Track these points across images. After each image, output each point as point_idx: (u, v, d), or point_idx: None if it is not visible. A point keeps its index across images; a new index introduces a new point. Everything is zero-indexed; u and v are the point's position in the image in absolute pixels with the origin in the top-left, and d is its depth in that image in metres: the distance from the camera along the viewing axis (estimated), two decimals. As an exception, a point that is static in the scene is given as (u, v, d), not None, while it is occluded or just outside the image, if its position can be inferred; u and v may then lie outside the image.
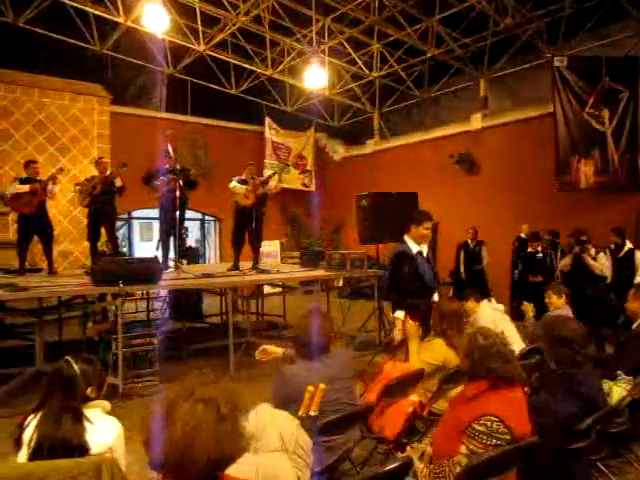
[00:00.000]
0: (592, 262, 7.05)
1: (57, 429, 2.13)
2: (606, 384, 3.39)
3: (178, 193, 7.01)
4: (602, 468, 3.27)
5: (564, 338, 2.92)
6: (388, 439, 3.22)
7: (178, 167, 7.28)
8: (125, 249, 13.37)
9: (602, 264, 7.13)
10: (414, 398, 3.46)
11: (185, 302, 8.46)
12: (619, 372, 3.63)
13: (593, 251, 7.15)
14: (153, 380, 5.62)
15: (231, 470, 1.48)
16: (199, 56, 12.38)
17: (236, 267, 7.56)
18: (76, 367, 2.30)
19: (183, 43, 11.83)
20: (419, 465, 2.48)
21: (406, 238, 4.84)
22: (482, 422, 2.31)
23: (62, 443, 2.11)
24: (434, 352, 3.71)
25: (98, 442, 2.18)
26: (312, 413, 2.49)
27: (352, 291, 12.10)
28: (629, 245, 7.29)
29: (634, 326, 4.30)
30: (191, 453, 1.32)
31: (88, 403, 2.33)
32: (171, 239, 7.46)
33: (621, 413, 3.18)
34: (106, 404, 2.44)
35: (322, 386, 2.55)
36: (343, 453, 2.91)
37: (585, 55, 10.12)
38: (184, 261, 8.63)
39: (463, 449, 2.34)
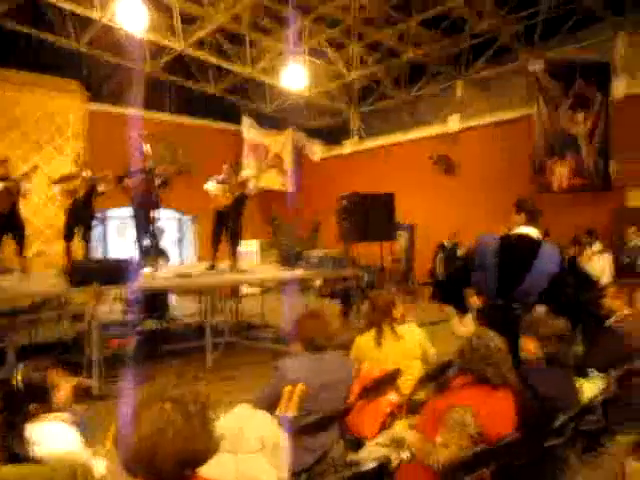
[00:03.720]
0: (586, 264, 7.15)
1: (5, 442, 2.10)
2: (578, 381, 3.45)
3: (151, 193, 6.96)
4: (576, 464, 3.33)
5: (544, 334, 3.02)
6: (366, 439, 3.23)
7: (152, 166, 7.22)
8: (100, 250, 13.19)
9: (595, 267, 7.21)
10: (392, 397, 3.48)
11: (159, 302, 8.38)
12: (591, 369, 3.69)
13: (590, 252, 7.24)
14: (128, 381, 5.56)
15: (209, 471, 1.48)
16: (178, 54, 12.27)
17: (214, 267, 7.52)
18: (20, 382, 2.24)
19: (161, 41, 11.71)
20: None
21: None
22: (456, 410, 2.39)
23: (10, 457, 2.07)
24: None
25: (51, 454, 2.13)
26: (289, 414, 2.49)
27: (331, 291, 12.10)
28: (599, 246, 7.44)
29: (608, 323, 4.39)
30: (159, 453, 1.33)
31: (41, 415, 2.28)
32: (146, 239, 7.40)
33: (594, 409, 3.25)
34: (60, 415, 2.38)
35: (302, 387, 2.56)
36: (322, 453, 2.92)
37: (560, 58, 10.29)
38: (161, 261, 8.54)
39: (438, 439, 2.39)
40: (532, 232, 3.76)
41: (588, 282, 6.99)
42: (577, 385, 3.37)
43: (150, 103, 13.59)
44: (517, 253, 3.70)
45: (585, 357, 4.17)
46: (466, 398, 2.48)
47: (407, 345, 3.79)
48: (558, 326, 3.07)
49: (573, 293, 4.55)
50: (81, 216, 7.25)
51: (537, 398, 2.82)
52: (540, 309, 4.40)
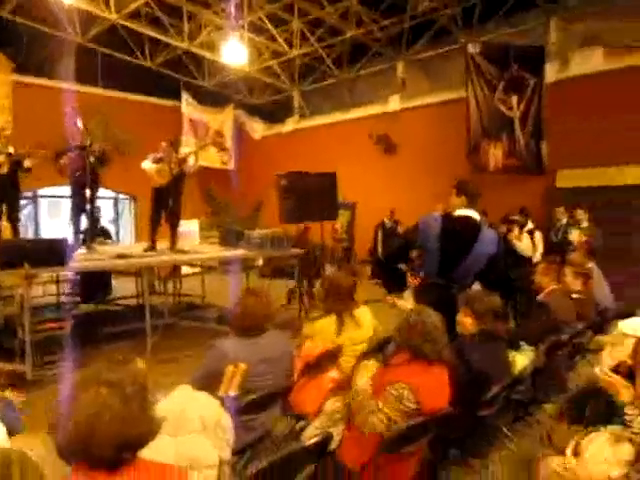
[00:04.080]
0: (517, 242, 7.43)
1: None
2: (511, 354, 3.61)
3: (88, 170, 6.68)
4: (506, 432, 3.52)
5: (479, 310, 3.16)
6: (309, 415, 3.27)
7: (88, 143, 6.92)
8: (31, 230, 12.61)
9: (525, 245, 7.49)
10: (333, 374, 3.53)
11: (99, 284, 8.14)
12: (522, 342, 3.88)
13: (517, 231, 7.51)
14: (64, 366, 5.38)
15: (149, 454, 1.47)
16: (111, 25, 11.73)
17: (153, 247, 7.34)
18: None
19: (93, 10, 11.14)
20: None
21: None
22: (395, 387, 2.48)
23: None
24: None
25: None
26: (232, 393, 2.49)
27: (272, 270, 12.09)
28: (531, 225, 7.75)
29: (538, 298, 4.60)
30: (96, 437, 1.32)
31: None
32: (82, 218, 7.13)
33: (523, 380, 3.42)
34: None
35: (243, 366, 2.56)
36: (263, 431, 2.94)
37: (496, 42, 10.56)
38: (101, 242, 8.25)
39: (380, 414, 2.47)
40: (473, 214, 3.87)
41: (518, 260, 7.31)
42: (509, 358, 3.54)
43: (82, 76, 12.96)
44: (459, 236, 3.79)
45: (517, 331, 4.36)
46: (405, 374, 2.56)
47: (365, 331, 3.82)
48: (493, 302, 3.21)
49: (504, 270, 4.76)
50: (6, 194, 6.88)
51: (471, 371, 2.95)
52: (476, 286, 4.58)
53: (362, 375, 2.73)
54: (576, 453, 2.29)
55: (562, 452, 2.39)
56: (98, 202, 7.77)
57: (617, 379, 2.37)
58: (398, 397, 2.45)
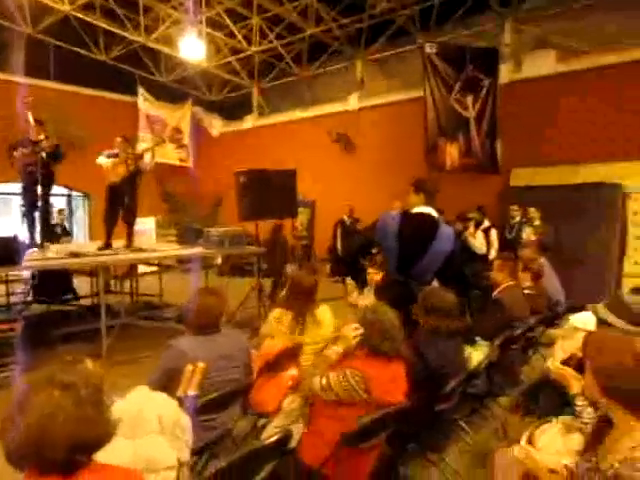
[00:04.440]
0: (472, 240, 7.57)
1: None
2: (467, 349, 3.69)
3: (39, 166, 6.46)
4: (463, 426, 3.59)
5: (435, 307, 3.21)
6: (269, 413, 3.26)
7: (41, 138, 6.69)
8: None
9: (480, 242, 7.65)
10: (293, 372, 3.53)
11: (58, 284, 7.89)
12: (477, 338, 3.97)
13: (472, 229, 7.65)
14: (15, 369, 5.20)
15: (105, 457, 1.44)
16: (63, 17, 11.37)
17: (108, 246, 7.17)
18: None
19: (44, 1, 10.77)
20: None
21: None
22: (350, 370, 2.54)
23: None
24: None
25: None
26: (191, 392, 2.46)
27: (231, 268, 12.00)
28: (487, 223, 7.94)
29: (493, 295, 4.71)
30: (49, 439, 1.29)
31: None
32: (35, 216, 6.89)
33: (479, 375, 3.51)
34: None
35: (201, 365, 2.54)
36: (223, 431, 2.92)
37: (453, 43, 10.75)
38: (55, 241, 7.97)
39: (324, 380, 2.59)
40: (431, 212, 3.92)
41: (472, 257, 7.47)
42: (466, 353, 3.62)
43: (34, 69, 12.53)
44: (417, 233, 3.83)
45: (472, 327, 4.45)
46: (362, 365, 2.60)
47: (325, 330, 3.83)
48: (442, 299, 3.26)
49: (460, 267, 4.88)
50: None
51: (428, 367, 3.00)
52: (434, 283, 4.67)
53: (320, 364, 2.77)
54: (529, 442, 2.36)
55: (517, 443, 2.46)
56: (52, 199, 7.54)
57: (568, 371, 2.45)
58: (347, 377, 2.52)
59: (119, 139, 7.05)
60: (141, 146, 10.85)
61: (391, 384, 2.61)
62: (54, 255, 6.48)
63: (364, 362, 2.66)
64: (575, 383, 2.36)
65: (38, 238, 6.88)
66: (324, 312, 3.95)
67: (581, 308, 4.15)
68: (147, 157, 7.15)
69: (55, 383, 1.35)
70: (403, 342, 2.76)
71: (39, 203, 6.80)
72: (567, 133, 9.30)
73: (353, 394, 2.50)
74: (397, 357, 2.70)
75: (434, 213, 3.94)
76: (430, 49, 9.95)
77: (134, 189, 7.06)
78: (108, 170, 6.83)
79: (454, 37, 11.17)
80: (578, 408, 2.29)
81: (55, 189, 12.25)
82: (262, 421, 3.21)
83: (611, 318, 2.69)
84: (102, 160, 6.85)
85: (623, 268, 8.36)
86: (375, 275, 4.81)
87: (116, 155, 6.88)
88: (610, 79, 8.92)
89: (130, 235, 7.36)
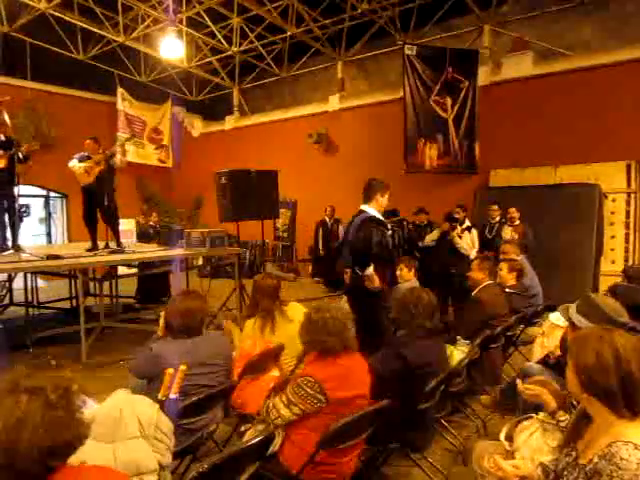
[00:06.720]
0: (458, 240, 7.60)
1: None
2: (448, 348, 3.72)
3: (9, 167, 6.36)
4: (445, 424, 3.62)
5: (414, 307, 3.22)
6: (251, 415, 3.25)
7: (13, 138, 6.62)
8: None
9: (467, 243, 7.69)
10: (275, 373, 3.53)
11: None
12: (458, 337, 4.00)
13: (459, 229, 7.68)
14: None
15: (84, 461, 1.42)
16: (40, 15, 11.19)
17: (95, 247, 7.09)
18: None
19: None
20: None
21: (367, 207, 4.79)
22: (301, 379, 2.55)
23: None
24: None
25: None
26: (172, 396, 2.44)
27: (212, 269, 11.93)
28: (468, 223, 7.99)
29: (473, 294, 4.76)
30: (18, 448, 1.26)
31: None
32: (6, 218, 6.77)
33: (460, 373, 3.53)
34: None
35: (183, 367, 2.51)
36: (205, 434, 2.90)
37: (432, 45, 10.83)
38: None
39: (283, 397, 2.58)
40: (363, 207, 4.76)
41: (457, 257, 7.53)
42: (447, 352, 3.65)
43: (9, 68, 12.33)
44: (349, 228, 4.83)
45: (453, 326, 4.50)
46: (312, 370, 2.61)
47: (297, 324, 3.83)
48: (426, 299, 3.27)
49: (442, 266, 5.22)
50: None
51: (409, 366, 3.01)
52: (407, 284, 4.84)
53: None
54: (508, 438, 2.38)
55: (497, 440, 2.48)
56: (28, 200, 7.42)
57: (540, 390, 2.35)
58: (300, 386, 2.51)
59: (88, 141, 6.98)
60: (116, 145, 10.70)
61: (343, 380, 2.58)
62: (30, 257, 6.36)
63: (313, 366, 2.66)
64: (551, 399, 2.30)
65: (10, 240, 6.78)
66: (294, 308, 4.04)
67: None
68: (117, 155, 7.07)
69: (21, 389, 1.32)
70: (354, 337, 2.75)
71: (8, 205, 6.69)
72: (545, 134, 9.42)
73: (314, 401, 2.49)
74: (346, 351, 2.68)
75: (365, 208, 4.74)
76: (410, 51, 10.01)
77: (111, 189, 6.99)
78: (81, 172, 6.76)
79: (434, 39, 11.27)
80: (562, 424, 2.19)
81: (32, 190, 12.16)
82: (247, 425, 3.19)
83: (579, 320, 2.70)
84: (73, 163, 6.78)
85: (600, 267, 8.49)
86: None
87: (88, 157, 6.81)
88: (587, 81, 9.07)
89: (116, 236, 7.28)
